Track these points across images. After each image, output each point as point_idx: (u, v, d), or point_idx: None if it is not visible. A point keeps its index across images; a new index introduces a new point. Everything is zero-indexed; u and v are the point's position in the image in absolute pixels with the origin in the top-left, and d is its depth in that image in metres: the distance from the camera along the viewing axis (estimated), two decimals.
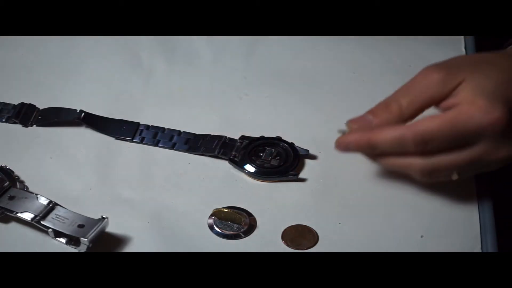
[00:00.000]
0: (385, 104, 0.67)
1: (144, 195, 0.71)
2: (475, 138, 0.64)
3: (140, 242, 0.67)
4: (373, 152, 0.67)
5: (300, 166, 0.73)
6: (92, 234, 0.65)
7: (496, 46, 0.74)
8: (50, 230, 0.66)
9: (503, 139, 0.65)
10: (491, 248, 0.68)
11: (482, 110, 0.63)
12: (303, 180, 0.72)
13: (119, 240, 0.67)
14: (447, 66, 0.66)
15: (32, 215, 0.66)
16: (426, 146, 0.65)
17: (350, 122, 0.68)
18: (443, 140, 0.64)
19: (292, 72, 0.82)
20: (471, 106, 0.64)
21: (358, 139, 0.67)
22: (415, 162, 0.66)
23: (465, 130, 0.64)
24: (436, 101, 0.66)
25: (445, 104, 0.66)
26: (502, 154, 0.65)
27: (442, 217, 0.70)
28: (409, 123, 0.66)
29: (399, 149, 0.66)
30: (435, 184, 0.69)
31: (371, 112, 0.68)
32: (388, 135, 0.66)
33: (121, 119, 0.76)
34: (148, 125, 0.76)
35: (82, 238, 0.65)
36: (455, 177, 0.67)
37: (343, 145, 0.68)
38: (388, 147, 0.66)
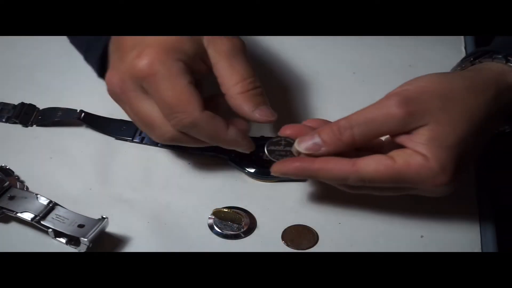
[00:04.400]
0: (338, 131, 0.64)
1: (144, 195, 0.71)
2: (415, 187, 0.64)
3: (140, 242, 0.67)
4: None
5: None
6: (92, 234, 0.65)
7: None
8: (50, 230, 0.66)
9: (448, 189, 0.65)
10: (491, 248, 0.68)
11: (431, 172, 0.62)
12: (303, 180, 0.72)
13: (119, 240, 0.67)
14: (413, 102, 0.63)
15: (32, 215, 0.66)
16: (366, 186, 0.65)
17: (298, 144, 0.66)
18: (384, 184, 0.64)
19: (292, 72, 0.82)
20: (422, 164, 0.62)
21: (297, 171, 0.65)
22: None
23: (408, 182, 0.64)
24: (391, 134, 0.65)
25: (398, 139, 0.64)
26: (435, 194, 0.66)
27: (442, 217, 0.70)
28: (356, 159, 0.64)
29: (339, 183, 0.66)
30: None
31: (321, 135, 0.65)
32: (331, 173, 0.64)
33: (121, 119, 0.76)
34: None
35: (82, 238, 0.65)
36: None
37: (280, 173, 0.66)
38: (328, 180, 0.66)
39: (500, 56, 0.67)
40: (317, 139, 0.65)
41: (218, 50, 0.68)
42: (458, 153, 0.63)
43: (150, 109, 0.67)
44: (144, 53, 0.66)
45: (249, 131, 0.69)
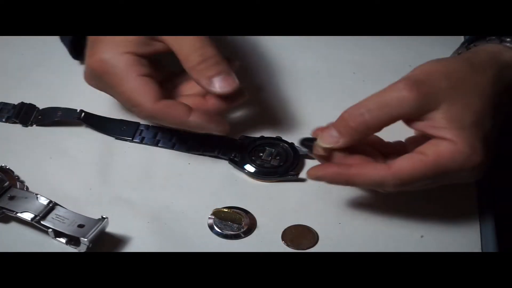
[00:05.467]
0: (349, 118, 0.64)
1: (144, 195, 0.71)
2: (453, 176, 0.64)
3: (140, 242, 0.67)
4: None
5: (300, 166, 0.73)
6: (92, 234, 0.65)
7: None
8: (50, 230, 0.66)
9: (480, 169, 0.64)
10: (491, 248, 0.68)
11: (463, 155, 0.62)
12: (303, 180, 0.72)
13: (119, 240, 0.67)
14: (423, 84, 0.63)
15: (32, 215, 0.66)
16: (405, 186, 0.64)
17: (320, 140, 0.65)
18: (423, 181, 0.63)
19: (292, 72, 0.82)
20: (453, 149, 0.62)
21: (334, 176, 0.65)
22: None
23: (446, 172, 0.63)
24: (405, 119, 0.64)
25: (418, 127, 0.64)
26: (471, 178, 0.65)
27: (442, 217, 0.70)
28: (390, 162, 0.64)
29: (377, 188, 0.65)
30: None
31: (335, 126, 0.64)
32: (368, 177, 0.63)
33: (121, 119, 0.76)
34: (148, 125, 0.76)
35: (82, 238, 0.65)
36: None
37: (316, 177, 0.66)
38: (366, 186, 0.66)
39: (493, 37, 0.67)
40: (333, 132, 0.65)
41: None
42: (481, 131, 0.62)
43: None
44: (94, 50, 0.68)
45: (223, 110, 0.69)
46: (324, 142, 0.65)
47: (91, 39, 0.69)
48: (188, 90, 0.70)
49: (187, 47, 0.67)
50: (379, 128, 0.64)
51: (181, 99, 0.69)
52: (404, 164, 0.63)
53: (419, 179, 0.63)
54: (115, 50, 0.67)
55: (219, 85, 0.67)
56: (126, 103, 0.67)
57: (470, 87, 0.63)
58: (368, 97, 0.64)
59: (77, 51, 0.77)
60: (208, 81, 0.67)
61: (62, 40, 0.77)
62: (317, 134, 0.66)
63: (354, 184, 0.65)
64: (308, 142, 0.68)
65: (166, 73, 0.71)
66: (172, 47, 0.67)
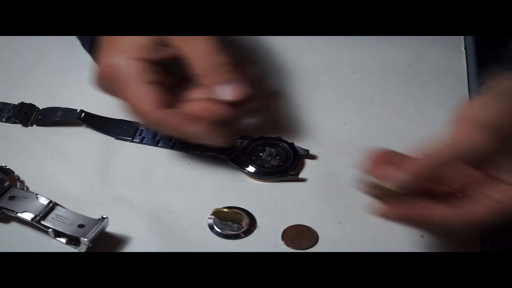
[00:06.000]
0: (424, 161, 0.60)
1: (144, 195, 0.71)
2: None
3: (140, 242, 0.67)
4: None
5: (300, 166, 0.73)
6: (92, 234, 0.65)
7: (496, 46, 0.74)
8: (50, 230, 0.66)
9: None
10: (491, 248, 0.68)
11: None
12: (303, 180, 0.72)
13: (119, 240, 0.67)
14: (495, 129, 0.60)
15: (32, 215, 0.66)
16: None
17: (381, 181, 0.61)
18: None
19: (292, 72, 0.82)
20: None
21: (408, 216, 0.62)
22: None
23: None
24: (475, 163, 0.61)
25: (483, 169, 0.61)
26: None
27: None
28: (461, 206, 0.61)
29: (446, 230, 0.64)
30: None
31: (407, 167, 0.60)
32: (443, 219, 0.61)
33: (121, 119, 0.76)
34: None
35: (82, 238, 0.65)
36: None
37: (390, 218, 0.62)
38: (436, 228, 0.64)
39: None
40: (399, 173, 0.61)
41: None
42: None
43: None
44: (105, 55, 0.68)
45: (231, 115, 0.68)
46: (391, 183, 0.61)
47: (103, 43, 0.70)
48: (197, 94, 0.70)
49: (197, 53, 0.67)
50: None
51: (189, 104, 0.69)
52: (479, 210, 0.61)
53: (492, 224, 0.62)
54: (125, 56, 0.67)
55: (227, 92, 0.67)
56: (130, 109, 0.68)
57: None
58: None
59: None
60: (217, 87, 0.67)
61: (83, 44, 0.78)
62: (374, 172, 0.62)
63: (425, 225, 0.64)
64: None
65: (177, 78, 0.71)
66: (182, 52, 0.67)
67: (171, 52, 0.68)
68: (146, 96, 0.67)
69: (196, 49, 0.67)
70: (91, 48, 0.75)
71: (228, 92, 0.67)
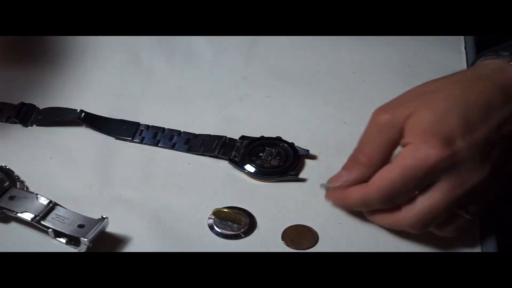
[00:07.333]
0: (354, 158, 0.67)
1: (144, 195, 0.71)
2: (431, 176, 0.63)
3: (140, 242, 0.67)
4: (353, 210, 0.69)
5: (300, 166, 0.73)
6: (92, 234, 0.65)
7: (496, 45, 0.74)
8: (50, 230, 0.66)
9: (462, 168, 0.63)
10: (491, 248, 0.68)
11: (422, 152, 0.62)
12: (303, 180, 0.72)
13: (119, 240, 0.67)
14: (393, 106, 0.66)
15: (32, 215, 0.66)
16: (390, 199, 0.64)
17: (328, 182, 0.68)
18: (402, 188, 0.63)
19: (292, 72, 0.82)
20: (413, 148, 0.63)
21: (334, 199, 0.68)
22: (398, 217, 0.65)
23: (415, 173, 0.63)
24: (394, 143, 0.65)
25: (402, 143, 0.65)
26: (473, 182, 0.63)
27: None
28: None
29: (368, 208, 0.66)
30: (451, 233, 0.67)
31: (346, 168, 0.67)
32: (353, 195, 0.66)
33: (121, 119, 0.76)
34: (148, 125, 0.76)
35: (82, 238, 0.65)
36: (466, 217, 0.65)
37: (331, 201, 0.69)
38: (359, 206, 0.66)
39: (506, 53, 0.67)
40: (343, 173, 0.67)
41: None
42: (441, 126, 0.62)
43: None
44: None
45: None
46: (334, 182, 0.68)
47: None
48: None
49: None
50: (384, 161, 0.65)
51: None
52: (378, 175, 0.64)
53: (396, 185, 0.63)
54: None
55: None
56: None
57: (437, 93, 0.65)
58: (360, 138, 0.67)
59: None
60: None
61: None
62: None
63: (351, 207, 0.68)
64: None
65: None
66: None
67: None
68: None
69: None
70: None
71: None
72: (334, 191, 0.68)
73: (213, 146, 0.74)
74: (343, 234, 0.68)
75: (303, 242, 0.68)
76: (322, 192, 0.71)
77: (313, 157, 0.74)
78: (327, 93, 0.80)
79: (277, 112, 0.78)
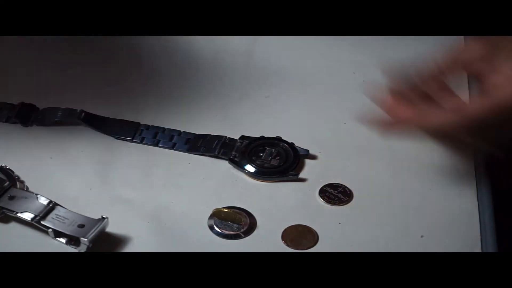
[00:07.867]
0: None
1: (144, 195, 0.71)
2: None
3: (140, 242, 0.67)
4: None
5: (300, 166, 0.73)
6: (92, 234, 0.65)
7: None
8: (50, 230, 0.66)
9: None
10: (491, 248, 0.68)
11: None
12: (303, 180, 0.72)
13: (119, 240, 0.67)
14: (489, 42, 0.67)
15: (32, 215, 0.66)
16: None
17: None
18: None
19: (292, 72, 0.82)
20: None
21: (410, 119, 0.67)
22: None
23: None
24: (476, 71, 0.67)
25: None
26: None
27: (442, 217, 0.70)
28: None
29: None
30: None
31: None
32: (441, 121, 0.66)
33: (121, 119, 0.76)
34: (148, 125, 0.76)
35: (82, 238, 0.65)
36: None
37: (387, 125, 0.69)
38: (438, 130, 0.67)
39: None
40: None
41: None
42: None
43: None
44: None
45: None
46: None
47: None
48: None
49: None
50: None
51: None
52: (474, 107, 0.65)
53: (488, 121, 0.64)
54: None
55: None
56: None
57: None
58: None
59: None
60: None
61: None
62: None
63: (426, 128, 0.67)
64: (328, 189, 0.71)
65: None
66: None
67: None
68: None
69: None
70: None
71: None
72: (409, 110, 0.66)
73: (213, 146, 0.74)
74: (343, 234, 0.68)
75: (303, 242, 0.68)
76: (322, 192, 0.71)
77: (313, 157, 0.74)
78: (327, 93, 0.80)
79: (277, 112, 0.78)
